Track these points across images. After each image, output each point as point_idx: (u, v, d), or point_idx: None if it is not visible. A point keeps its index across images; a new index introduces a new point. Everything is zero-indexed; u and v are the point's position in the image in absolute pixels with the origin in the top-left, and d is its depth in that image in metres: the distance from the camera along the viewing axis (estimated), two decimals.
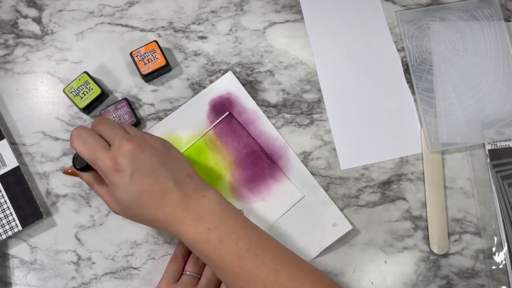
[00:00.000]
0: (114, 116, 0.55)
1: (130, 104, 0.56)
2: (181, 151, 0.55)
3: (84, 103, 0.54)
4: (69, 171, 0.50)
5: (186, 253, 0.51)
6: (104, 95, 0.56)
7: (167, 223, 0.43)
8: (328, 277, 0.44)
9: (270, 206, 0.54)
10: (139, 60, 0.55)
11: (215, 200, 0.44)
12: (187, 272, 0.50)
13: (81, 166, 0.46)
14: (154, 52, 0.55)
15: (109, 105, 0.55)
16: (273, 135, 0.56)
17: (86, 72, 0.55)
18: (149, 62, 0.54)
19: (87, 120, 0.57)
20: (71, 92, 0.54)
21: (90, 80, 0.55)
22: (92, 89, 0.55)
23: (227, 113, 0.56)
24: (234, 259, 0.41)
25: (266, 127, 0.56)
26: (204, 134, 0.56)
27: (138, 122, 0.56)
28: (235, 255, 0.41)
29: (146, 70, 0.54)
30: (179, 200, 0.43)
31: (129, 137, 0.44)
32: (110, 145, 0.43)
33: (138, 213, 0.43)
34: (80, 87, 0.55)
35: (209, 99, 0.57)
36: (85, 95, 0.54)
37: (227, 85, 0.57)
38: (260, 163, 0.55)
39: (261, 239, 0.43)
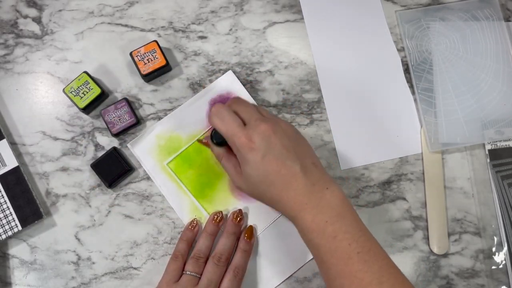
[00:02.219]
0: (114, 116, 0.55)
1: (130, 104, 0.56)
2: (181, 150, 0.55)
3: (84, 103, 0.54)
4: (204, 141, 0.55)
5: (185, 253, 0.52)
6: (104, 95, 0.56)
7: (287, 206, 0.44)
8: None
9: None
10: (139, 60, 0.55)
11: (337, 195, 0.45)
12: (187, 272, 0.50)
13: (218, 140, 0.50)
14: (154, 52, 0.55)
15: (109, 105, 0.55)
16: None
17: (86, 72, 0.55)
18: (149, 62, 0.54)
19: (87, 120, 0.57)
20: (71, 92, 0.54)
21: (90, 80, 0.55)
22: (92, 89, 0.55)
23: None
24: (343, 257, 0.42)
25: None
26: (204, 133, 0.56)
27: (138, 122, 0.56)
28: (345, 254, 0.42)
29: (146, 70, 0.54)
30: (303, 186, 0.44)
31: (263, 118, 0.46)
32: (245, 124, 0.46)
33: (263, 191, 0.45)
34: (80, 87, 0.54)
35: (209, 98, 0.57)
36: (85, 95, 0.54)
37: (228, 84, 0.57)
38: None
39: (373, 247, 0.43)
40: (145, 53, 0.55)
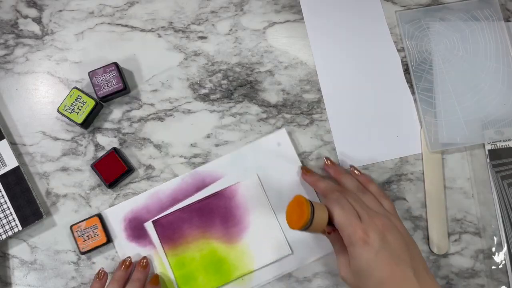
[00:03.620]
0: (101, 79, 0.54)
1: (120, 69, 0.55)
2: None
3: (81, 117, 0.54)
4: (328, 230, 0.48)
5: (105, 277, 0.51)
6: (98, 105, 0.55)
7: None
8: None
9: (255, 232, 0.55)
10: (78, 236, 0.53)
11: None
12: None
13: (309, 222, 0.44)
14: (96, 229, 0.53)
15: (98, 68, 0.55)
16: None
17: (76, 88, 0.55)
18: (89, 238, 0.53)
19: None
20: (66, 110, 0.54)
21: (82, 94, 0.54)
22: (86, 102, 0.54)
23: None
24: None
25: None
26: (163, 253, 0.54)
27: (125, 88, 0.55)
28: None
29: (85, 247, 0.53)
30: None
31: (378, 215, 0.45)
32: (360, 216, 0.45)
33: None
34: (73, 103, 0.54)
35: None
36: (80, 109, 0.54)
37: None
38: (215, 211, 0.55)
39: None
40: (85, 228, 0.53)
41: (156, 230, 0.54)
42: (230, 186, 0.55)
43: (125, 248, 0.54)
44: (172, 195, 0.55)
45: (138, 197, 0.55)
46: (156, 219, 0.54)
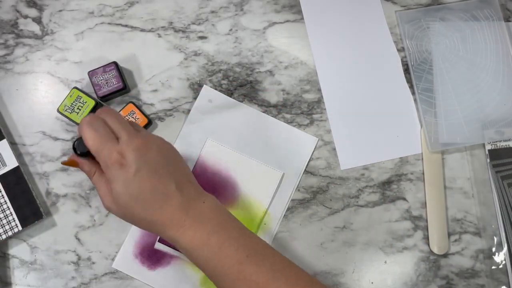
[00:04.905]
0: (101, 78, 0.54)
1: (119, 68, 0.55)
2: None
3: (81, 117, 0.54)
4: (68, 160, 0.47)
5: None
6: (98, 105, 0.55)
7: (163, 226, 0.42)
8: (325, 286, 0.45)
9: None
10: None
11: (215, 206, 0.44)
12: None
13: (82, 151, 0.44)
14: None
15: (98, 67, 0.55)
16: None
17: (76, 88, 0.55)
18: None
19: None
20: (66, 110, 0.54)
21: (81, 94, 0.54)
22: (85, 102, 0.54)
23: None
24: (234, 264, 0.41)
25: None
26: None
27: (125, 87, 0.55)
28: (235, 260, 0.41)
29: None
30: (179, 203, 0.42)
31: (137, 134, 0.43)
32: (118, 137, 0.43)
33: (135, 212, 0.42)
34: (73, 103, 0.54)
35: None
36: (80, 109, 0.54)
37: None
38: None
39: (259, 246, 0.43)
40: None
41: (167, 245, 0.54)
42: (197, 162, 0.56)
43: (157, 276, 0.53)
44: None
45: (132, 230, 0.54)
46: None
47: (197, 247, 0.42)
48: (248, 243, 0.43)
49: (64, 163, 0.47)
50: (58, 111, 0.54)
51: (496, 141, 0.57)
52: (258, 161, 0.56)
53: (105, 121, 0.44)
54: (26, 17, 0.59)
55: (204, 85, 0.57)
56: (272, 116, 0.57)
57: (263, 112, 0.57)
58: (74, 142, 0.44)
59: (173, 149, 0.46)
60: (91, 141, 0.42)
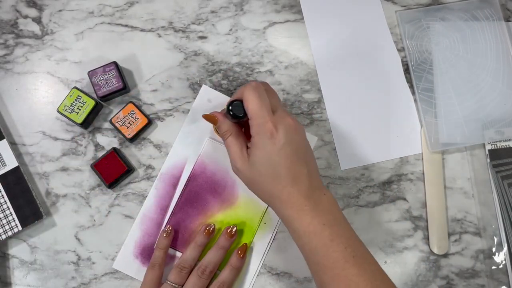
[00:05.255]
0: (101, 78, 0.54)
1: (119, 68, 0.55)
2: None
3: (81, 117, 0.54)
4: (210, 114, 0.48)
5: (163, 261, 0.52)
6: (98, 104, 0.55)
7: (284, 203, 0.44)
8: None
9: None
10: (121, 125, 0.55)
11: (333, 201, 0.45)
12: (168, 282, 0.50)
13: (238, 114, 0.45)
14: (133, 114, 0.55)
15: (98, 67, 0.55)
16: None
17: (76, 88, 0.55)
18: (131, 124, 0.54)
19: None
20: (65, 110, 0.54)
21: (81, 94, 0.54)
22: (85, 102, 0.54)
23: None
24: (340, 260, 0.42)
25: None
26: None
27: (125, 87, 0.55)
28: (341, 257, 0.42)
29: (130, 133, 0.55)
30: (306, 188, 0.44)
31: (290, 114, 0.46)
32: (273, 110, 0.45)
33: (264, 182, 0.44)
34: (73, 103, 0.54)
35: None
36: (80, 109, 0.54)
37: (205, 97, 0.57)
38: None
39: (366, 253, 0.44)
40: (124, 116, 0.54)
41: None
42: (196, 162, 0.56)
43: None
44: (158, 206, 0.55)
45: (132, 230, 0.54)
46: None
47: (310, 234, 0.43)
48: (356, 245, 0.44)
49: (205, 116, 0.49)
50: (58, 111, 0.54)
51: (496, 141, 0.57)
52: None
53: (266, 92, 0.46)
54: (26, 17, 0.59)
55: (203, 85, 0.57)
56: None
57: None
58: (231, 103, 0.46)
59: (308, 141, 0.48)
60: (252, 105, 0.44)
